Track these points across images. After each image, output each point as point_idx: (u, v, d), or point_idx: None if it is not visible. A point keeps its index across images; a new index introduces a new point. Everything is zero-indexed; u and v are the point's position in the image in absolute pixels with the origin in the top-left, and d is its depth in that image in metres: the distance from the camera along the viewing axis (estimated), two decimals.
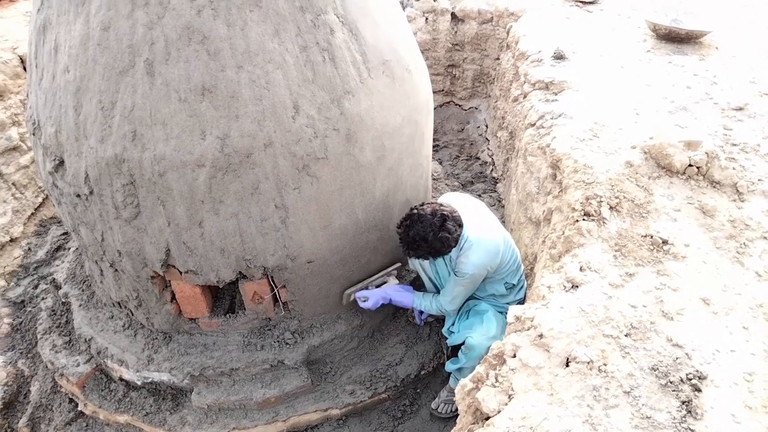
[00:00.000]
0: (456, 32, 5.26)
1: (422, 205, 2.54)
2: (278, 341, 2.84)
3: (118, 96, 2.28)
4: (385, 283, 2.96)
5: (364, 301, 2.84)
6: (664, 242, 2.27)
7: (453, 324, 2.89)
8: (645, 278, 2.12)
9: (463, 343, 2.70)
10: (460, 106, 5.56)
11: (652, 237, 2.29)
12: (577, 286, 2.10)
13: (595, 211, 2.40)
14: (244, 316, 2.84)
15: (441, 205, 2.53)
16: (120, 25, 2.23)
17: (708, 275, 2.14)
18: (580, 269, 2.16)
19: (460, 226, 2.50)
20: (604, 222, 2.36)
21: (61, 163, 2.50)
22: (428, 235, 2.42)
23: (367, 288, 2.92)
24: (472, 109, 5.50)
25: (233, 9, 2.23)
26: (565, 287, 2.10)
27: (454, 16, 5.22)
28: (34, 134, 2.64)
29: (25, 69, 4.21)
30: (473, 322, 2.73)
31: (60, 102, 2.41)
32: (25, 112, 4.13)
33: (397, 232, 2.55)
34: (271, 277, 2.70)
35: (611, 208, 2.43)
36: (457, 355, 2.91)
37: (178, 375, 2.77)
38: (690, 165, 2.58)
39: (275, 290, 2.75)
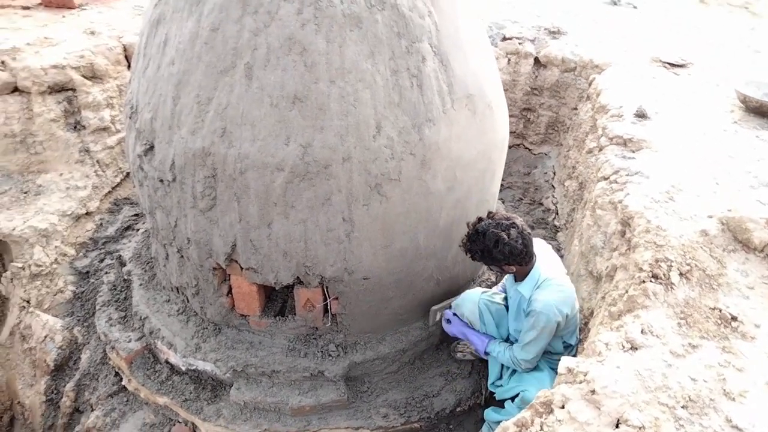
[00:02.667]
0: (536, 77, 5.28)
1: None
2: (322, 351, 2.87)
3: (215, 93, 2.42)
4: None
5: (448, 321, 2.89)
6: (733, 318, 2.18)
7: (500, 378, 2.84)
8: (709, 352, 2.04)
9: (512, 397, 2.66)
10: (529, 149, 5.54)
11: (720, 311, 2.21)
12: (636, 348, 2.04)
13: (664, 274, 2.34)
14: (293, 321, 2.90)
15: (518, 218, 2.55)
16: (228, 28, 2.37)
17: None
18: (642, 331, 2.10)
19: (525, 245, 2.47)
20: (672, 287, 2.30)
21: (151, 148, 2.65)
22: (489, 228, 2.45)
23: (449, 306, 2.97)
24: (542, 154, 5.47)
25: (335, 27, 2.33)
26: (623, 347, 2.05)
27: (537, 60, 5.24)
28: (130, 117, 2.81)
29: (126, 57, 4.49)
30: (524, 377, 2.68)
31: (160, 91, 2.57)
32: (120, 97, 4.39)
33: (463, 239, 2.57)
34: (326, 287, 2.76)
35: (681, 274, 2.36)
36: (498, 405, 2.86)
37: (222, 367, 2.84)
38: None
39: (327, 300, 2.80)
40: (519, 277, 2.62)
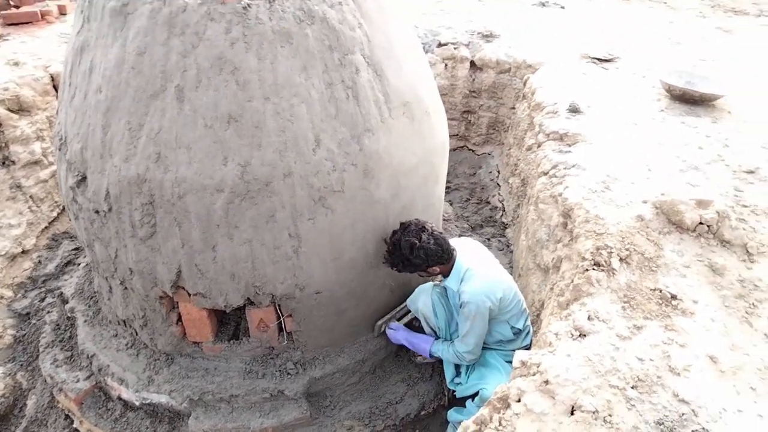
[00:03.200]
0: (474, 80, 5.39)
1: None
2: (280, 371, 2.83)
3: (146, 118, 2.36)
4: (408, 312, 3.08)
5: (393, 329, 2.99)
6: (673, 297, 2.28)
7: (458, 375, 2.87)
8: (653, 332, 2.12)
9: (473, 395, 2.69)
10: (473, 151, 5.65)
11: (660, 291, 2.30)
12: (584, 335, 2.10)
13: (605, 261, 2.42)
14: (247, 343, 2.84)
15: (428, 223, 2.67)
16: (155, 51, 2.32)
17: (716, 333, 2.13)
18: (588, 318, 2.16)
19: (439, 245, 2.60)
20: (613, 273, 2.38)
21: (84, 179, 2.56)
22: (401, 239, 2.58)
23: (395, 318, 3.04)
24: (485, 154, 5.58)
25: (265, 43, 2.32)
26: (572, 335, 2.10)
27: (473, 64, 5.36)
28: (59, 149, 2.71)
29: (54, 87, 4.34)
30: (483, 373, 2.72)
31: (89, 120, 2.49)
32: (50, 129, 4.23)
33: (383, 255, 2.70)
34: (279, 305, 2.72)
35: (621, 259, 2.44)
36: (459, 405, 2.88)
37: (177, 398, 2.76)
38: (701, 223, 2.61)
39: (281, 319, 2.76)
40: (445, 275, 2.73)
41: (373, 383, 3.04)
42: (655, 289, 2.32)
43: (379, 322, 3.02)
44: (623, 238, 2.57)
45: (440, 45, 5.44)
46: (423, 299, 2.92)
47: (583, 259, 2.49)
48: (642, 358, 2.00)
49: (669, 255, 2.51)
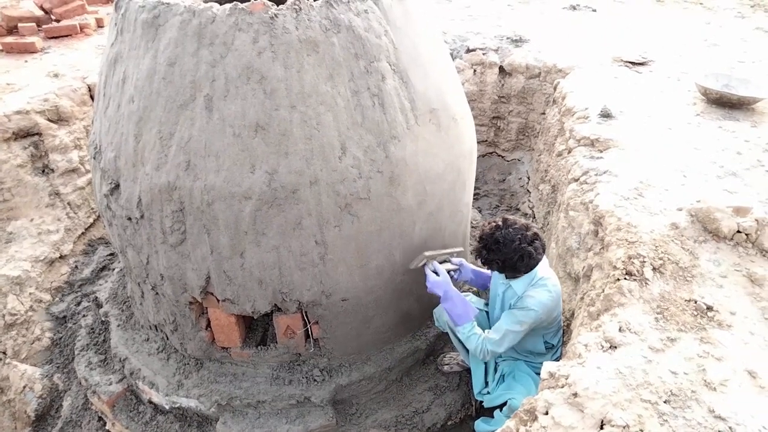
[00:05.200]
0: (503, 85, 5.34)
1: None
2: (306, 377, 2.84)
3: (176, 127, 2.40)
4: (448, 260, 2.78)
5: (433, 271, 2.65)
6: (709, 308, 2.20)
7: (486, 386, 2.82)
8: (687, 344, 2.05)
9: (501, 405, 2.64)
10: (502, 157, 5.59)
11: (696, 302, 2.23)
12: (615, 347, 2.04)
13: (638, 271, 2.35)
14: (275, 350, 2.86)
15: (532, 224, 2.50)
16: (185, 62, 2.37)
17: (755, 347, 2.05)
18: (620, 330, 2.11)
19: (541, 254, 2.46)
20: (646, 283, 2.31)
21: (117, 186, 2.63)
22: (515, 241, 2.38)
23: (442, 260, 2.73)
24: (515, 160, 5.52)
25: (292, 53, 2.34)
26: (602, 347, 2.05)
27: (502, 69, 5.31)
28: (94, 158, 2.79)
29: (91, 97, 4.47)
30: (512, 384, 2.66)
31: (122, 130, 2.55)
32: (87, 138, 4.36)
33: (482, 232, 2.49)
34: (305, 312, 2.73)
35: (654, 269, 2.37)
36: (487, 415, 2.84)
37: (206, 402, 2.79)
38: (738, 231, 2.52)
39: (308, 326, 2.77)
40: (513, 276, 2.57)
41: (399, 391, 3.03)
42: (690, 300, 2.24)
43: (427, 253, 2.68)
44: (657, 246, 2.50)
45: (468, 50, 5.40)
46: None
47: (615, 268, 2.42)
48: (676, 371, 1.93)
49: (705, 264, 2.43)
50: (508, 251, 2.40)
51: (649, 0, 7.01)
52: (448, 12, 6.51)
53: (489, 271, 2.85)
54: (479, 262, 2.55)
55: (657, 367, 1.95)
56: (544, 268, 2.57)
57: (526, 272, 2.50)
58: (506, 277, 2.62)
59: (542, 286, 2.50)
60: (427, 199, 2.75)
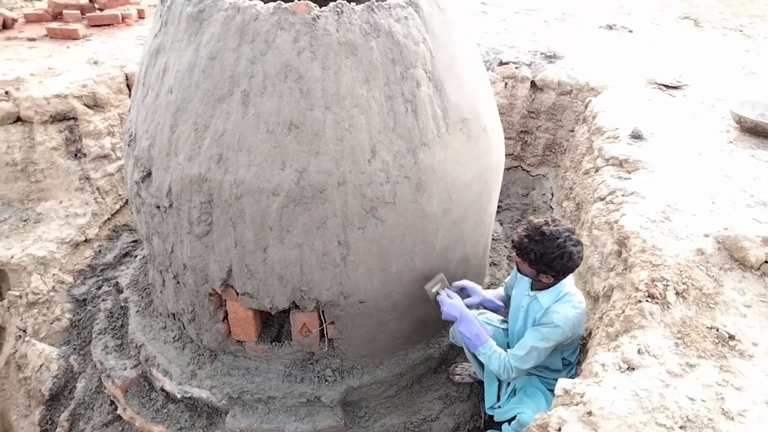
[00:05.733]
0: (533, 100, 5.33)
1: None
2: (318, 377, 2.85)
3: (212, 120, 2.45)
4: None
5: (448, 296, 2.69)
6: (731, 337, 2.17)
7: (498, 400, 2.81)
8: (706, 371, 2.02)
9: (511, 419, 2.63)
10: (527, 171, 5.57)
11: (717, 330, 2.20)
12: (633, 369, 2.02)
13: (660, 294, 2.33)
14: (289, 346, 2.88)
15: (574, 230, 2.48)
16: (225, 57, 2.41)
17: None
18: (638, 352, 2.09)
19: (579, 261, 2.42)
20: (668, 307, 2.29)
21: (149, 174, 2.68)
22: (560, 238, 2.35)
23: (445, 284, 2.77)
24: (540, 176, 5.49)
25: (330, 54, 2.37)
26: (620, 368, 2.03)
27: (533, 84, 5.30)
28: (128, 145, 2.85)
29: (128, 86, 4.56)
30: (522, 399, 2.64)
31: (159, 119, 2.60)
32: (120, 125, 4.45)
33: (528, 224, 2.45)
34: (322, 311, 2.75)
35: (677, 293, 2.35)
36: (497, 427, 2.82)
37: (218, 394, 2.82)
38: (766, 261, 2.48)
39: (324, 325, 2.79)
40: (541, 285, 2.54)
41: (409, 398, 3.02)
42: (711, 327, 2.21)
43: (435, 283, 2.71)
44: (681, 271, 2.47)
45: (501, 63, 5.41)
46: None
47: (637, 289, 2.40)
48: (693, 397, 1.91)
49: (729, 293, 2.39)
50: (551, 246, 2.36)
51: (687, 24, 6.96)
52: (483, 24, 6.52)
53: (499, 296, 2.87)
54: (514, 253, 2.48)
55: (674, 391, 1.93)
56: (570, 285, 2.55)
57: (558, 274, 2.43)
58: (532, 288, 2.59)
59: (568, 302, 2.47)
60: (452, 208, 2.75)
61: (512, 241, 2.49)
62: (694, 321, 2.24)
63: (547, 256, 2.38)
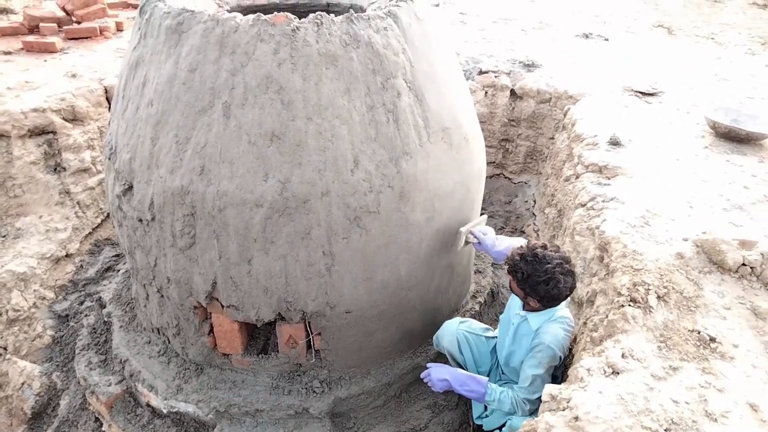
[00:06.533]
0: (513, 108, 5.39)
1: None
2: (306, 388, 2.83)
3: (193, 132, 2.44)
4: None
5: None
6: (712, 339, 2.20)
7: (485, 410, 2.81)
8: (689, 374, 2.05)
9: (500, 427, 2.63)
10: (509, 179, 5.62)
11: (699, 333, 2.24)
12: (617, 373, 2.05)
13: (642, 298, 2.36)
14: (276, 359, 2.87)
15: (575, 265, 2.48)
16: (206, 69, 2.41)
17: (757, 380, 2.05)
18: (622, 356, 2.11)
19: (566, 292, 2.42)
20: (650, 311, 2.32)
21: (130, 188, 2.66)
22: (550, 263, 2.35)
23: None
24: (522, 183, 5.55)
25: (311, 65, 2.38)
26: (605, 372, 2.05)
27: (513, 92, 5.36)
28: (109, 158, 2.82)
29: (107, 99, 4.52)
30: None
31: (139, 132, 2.59)
32: (100, 138, 4.40)
33: (527, 243, 2.48)
34: (308, 322, 2.74)
35: (659, 297, 2.38)
36: None
37: (204, 408, 2.79)
38: (744, 264, 2.53)
39: (310, 336, 2.78)
40: (530, 308, 2.55)
41: (397, 408, 3.02)
42: (693, 330, 2.25)
43: (462, 229, 2.89)
44: (661, 275, 2.51)
45: (481, 73, 5.47)
46: (448, 338, 2.87)
47: (619, 294, 2.44)
48: (677, 400, 1.94)
49: (709, 295, 2.44)
50: (540, 269, 2.37)
51: (661, 32, 7.10)
52: (462, 34, 6.59)
53: (507, 247, 2.82)
54: (506, 269, 2.51)
55: (659, 395, 1.95)
56: (563, 310, 2.55)
57: (543, 300, 2.44)
58: (523, 308, 2.59)
59: (559, 323, 2.48)
60: (436, 216, 2.77)
61: (507, 257, 2.51)
62: (675, 324, 2.27)
63: (533, 278, 2.38)
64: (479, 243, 2.92)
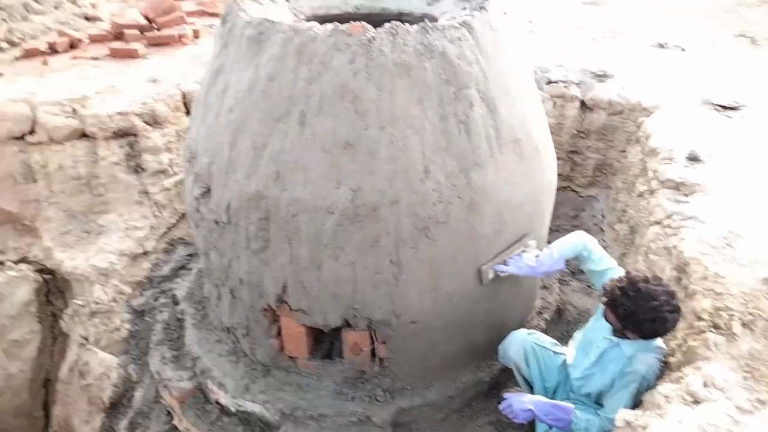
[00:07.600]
0: (583, 120, 5.25)
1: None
2: (369, 396, 2.85)
3: (270, 139, 2.52)
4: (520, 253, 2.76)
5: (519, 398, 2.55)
6: None
7: (550, 428, 2.73)
8: None
9: None
10: (576, 192, 5.47)
11: None
12: (698, 402, 1.95)
13: (725, 324, 2.24)
14: (340, 364, 2.90)
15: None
16: (284, 77, 2.48)
17: None
18: (704, 384, 2.01)
19: (671, 329, 2.28)
20: (734, 338, 2.20)
21: (208, 191, 2.76)
22: (656, 300, 2.18)
23: (504, 263, 2.73)
24: (590, 197, 5.39)
25: (385, 75, 2.41)
26: (684, 400, 1.96)
27: (583, 103, 5.22)
28: (189, 162, 2.95)
29: (185, 104, 4.72)
30: None
31: (218, 138, 2.69)
32: (177, 141, 4.60)
33: (627, 275, 2.31)
34: (374, 330, 2.76)
35: (744, 324, 2.25)
36: None
37: (271, 409, 2.84)
38: None
39: (375, 344, 2.79)
40: (626, 337, 2.37)
41: (459, 422, 2.98)
42: None
43: (485, 267, 2.68)
44: (746, 301, 2.37)
45: (549, 82, 5.35)
46: (515, 347, 2.79)
47: (700, 318, 2.32)
48: None
49: None
50: (645, 306, 2.18)
51: (743, 42, 6.74)
52: (531, 43, 6.49)
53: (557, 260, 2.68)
54: (604, 300, 2.33)
55: (744, 429, 1.85)
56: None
57: (646, 337, 2.30)
58: (614, 333, 2.41)
59: (653, 351, 2.35)
60: (505, 229, 2.73)
61: (603, 288, 2.35)
62: (763, 354, 2.14)
63: (637, 316, 2.21)
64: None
